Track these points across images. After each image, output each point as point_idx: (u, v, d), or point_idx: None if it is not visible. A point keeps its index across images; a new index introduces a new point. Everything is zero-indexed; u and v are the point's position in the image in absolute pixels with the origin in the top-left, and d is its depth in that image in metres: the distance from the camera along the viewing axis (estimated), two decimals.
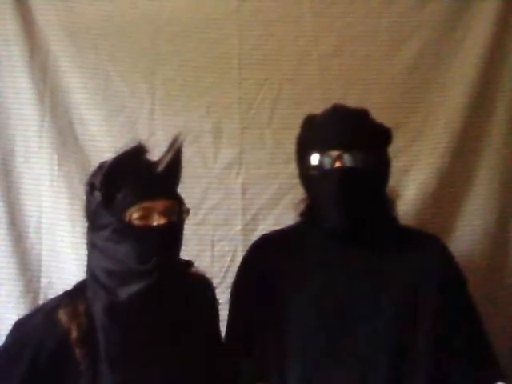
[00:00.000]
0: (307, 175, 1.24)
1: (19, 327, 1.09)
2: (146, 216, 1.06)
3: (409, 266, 1.19)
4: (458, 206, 1.74)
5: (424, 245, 1.24)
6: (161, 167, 1.09)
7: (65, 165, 1.68)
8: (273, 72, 1.75)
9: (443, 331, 1.14)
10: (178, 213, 1.11)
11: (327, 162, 1.17)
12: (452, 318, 1.16)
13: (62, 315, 1.06)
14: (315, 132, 1.23)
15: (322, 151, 1.18)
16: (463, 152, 1.74)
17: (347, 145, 1.17)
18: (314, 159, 1.20)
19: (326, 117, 1.25)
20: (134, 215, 1.06)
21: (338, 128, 1.20)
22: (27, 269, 1.67)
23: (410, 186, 1.72)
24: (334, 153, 1.17)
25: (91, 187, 1.09)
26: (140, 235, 1.05)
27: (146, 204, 1.06)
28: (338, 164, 1.16)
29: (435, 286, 1.17)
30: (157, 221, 1.06)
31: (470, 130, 1.74)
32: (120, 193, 1.06)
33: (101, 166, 1.10)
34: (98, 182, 1.07)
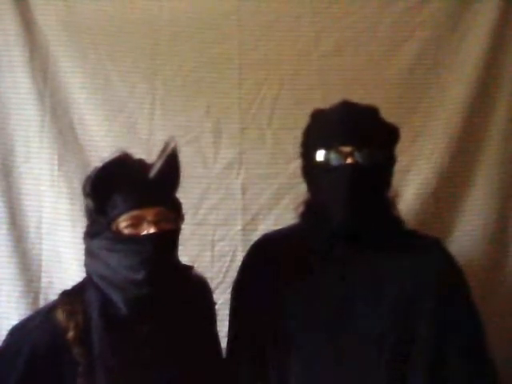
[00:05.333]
0: (313, 170, 1.22)
1: (16, 330, 1.09)
2: (135, 224, 1.05)
3: (408, 267, 1.18)
4: (458, 206, 1.74)
5: (424, 247, 1.23)
6: (151, 174, 1.07)
7: (65, 165, 1.68)
8: (273, 72, 1.75)
9: (442, 336, 1.12)
10: (172, 219, 1.09)
11: (337, 157, 1.15)
12: (451, 324, 1.14)
13: (60, 314, 1.07)
14: (325, 127, 1.21)
15: (333, 147, 1.16)
16: (463, 152, 1.74)
17: (359, 142, 1.15)
18: (323, 154, 1.17)
19: (337, 112, 1.22)
20: (124, 224, 1.05)
21: (349, 124, 1.18)
22: (28, 269, 1.67)
23: (410, 185, 1.72)
24: (346, 149, 1.15)
25: (84, 194, 1.08)
26: (128, 245, 1.04)
27: (135, 212, 1.05)
28: (349, 160, 1.14)
29: (434, 287, 1.17)
30: (146, 229, 1.04)
31: (470, 129, 1.74)
32: (110, 201, 1.05)
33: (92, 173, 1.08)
34: (88, 190, 1.06)
